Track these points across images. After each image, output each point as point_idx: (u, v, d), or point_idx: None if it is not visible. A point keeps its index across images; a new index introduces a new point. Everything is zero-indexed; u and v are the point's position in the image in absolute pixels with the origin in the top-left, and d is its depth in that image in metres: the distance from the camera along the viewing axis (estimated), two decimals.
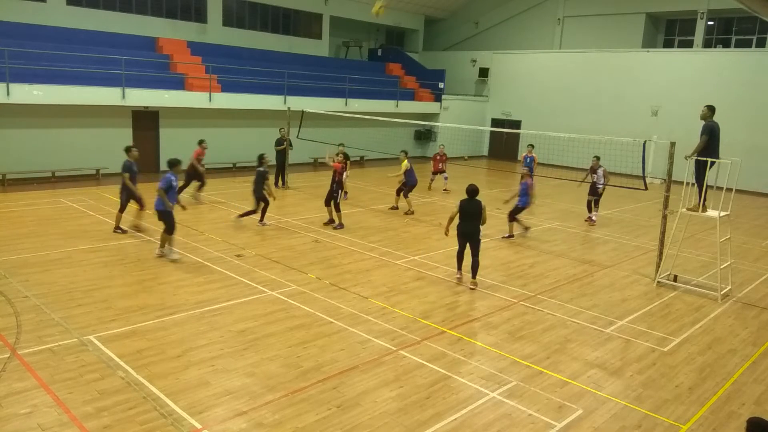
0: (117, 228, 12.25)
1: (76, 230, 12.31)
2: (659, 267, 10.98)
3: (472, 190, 10.18)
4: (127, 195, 12.19)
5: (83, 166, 18.56)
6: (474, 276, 10.17)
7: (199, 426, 5.63)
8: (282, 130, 18.57)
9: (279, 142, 18.53)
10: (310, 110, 20.03)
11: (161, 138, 20.45)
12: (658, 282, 10.89)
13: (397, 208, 16.05)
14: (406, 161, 15.86)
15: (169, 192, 10.73)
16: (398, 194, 16.01)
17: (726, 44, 26.59)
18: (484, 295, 9.84)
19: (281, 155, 18.46)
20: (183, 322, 8.01)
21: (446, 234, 10.55)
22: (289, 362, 7.02)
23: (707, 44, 26.59)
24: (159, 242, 10.93)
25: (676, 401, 6.68)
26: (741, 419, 6.31)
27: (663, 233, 10.94)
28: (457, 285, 10.19)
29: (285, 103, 21.68)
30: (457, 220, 10.24)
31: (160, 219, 10.74)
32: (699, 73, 24.49)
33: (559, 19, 30.31)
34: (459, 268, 10.45)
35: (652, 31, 28.29)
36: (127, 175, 12.10)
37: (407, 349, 7.54)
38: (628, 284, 10.89)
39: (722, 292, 10.30)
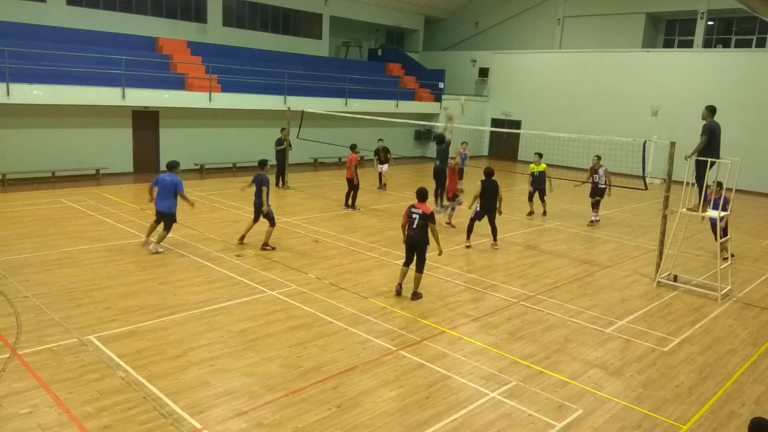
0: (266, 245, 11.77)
1: (76, 230, 12.31)
2: (659, 267, 10.98)
3: (490, 172, 12.53)
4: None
5: (83, 166, 18.57)
6: (495, 239, 12.69)
7: (199, 426, 5.63)
8: (283, 130, 18.57)
9: (279, 142, 18.54)
10: (310, 110, 20.03)
11: (161, 138, 20.44)
12: (658, 282, 10.88)
13: (532, 212, 16.43)
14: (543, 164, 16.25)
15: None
16: (540, 199, 16.30)
17: (726, 44, 26.59)
18: (484, 295, 9.84)
19: (281, 155, 18.46)
20: (183, 322, 8.01)
21: (469, 208, 12.80)
22: (289, 362, 7.02)
23: (707, 44, 26.59)
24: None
25: (676, 401, 6.67)
26: (741, 419, 6.32)
27: (663, 233, 10.94)
28: (450, 284, 10.19)
29: (285, 103, 21.68)
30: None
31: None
32: (699, 73, 24.49)
33: (559, 19, 30.32)
34: (469, 237, 12.72)
35: (652, 31, 28.29)
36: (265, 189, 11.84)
37: (407, 349, 7.54)
38: (628, 284, 10.89)
39: (722, 292, 10.29)
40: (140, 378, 6.42)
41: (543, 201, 16.30)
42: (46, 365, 6.58)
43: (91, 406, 5.84)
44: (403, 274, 9.55)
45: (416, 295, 9.36)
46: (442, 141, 14.26)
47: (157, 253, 10.87)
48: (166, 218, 11.13)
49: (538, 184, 16.16)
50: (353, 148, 16.01)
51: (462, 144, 19.08)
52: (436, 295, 9.66)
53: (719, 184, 11.33)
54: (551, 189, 16.44)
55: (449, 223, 14.25)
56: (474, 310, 9.09)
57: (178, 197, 11.17)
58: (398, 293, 9.44)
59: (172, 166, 11.34)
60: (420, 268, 9.32)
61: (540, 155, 16.41)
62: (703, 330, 8.86)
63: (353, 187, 15.74)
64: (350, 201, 15.93)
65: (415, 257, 9.33)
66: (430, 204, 10.99)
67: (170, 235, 11.75)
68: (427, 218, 9.10)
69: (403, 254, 9.60)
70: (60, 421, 5.57)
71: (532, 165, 16.34)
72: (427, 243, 9.23)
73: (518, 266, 11.59)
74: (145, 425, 5.57)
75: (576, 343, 8.10)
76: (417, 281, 9.38)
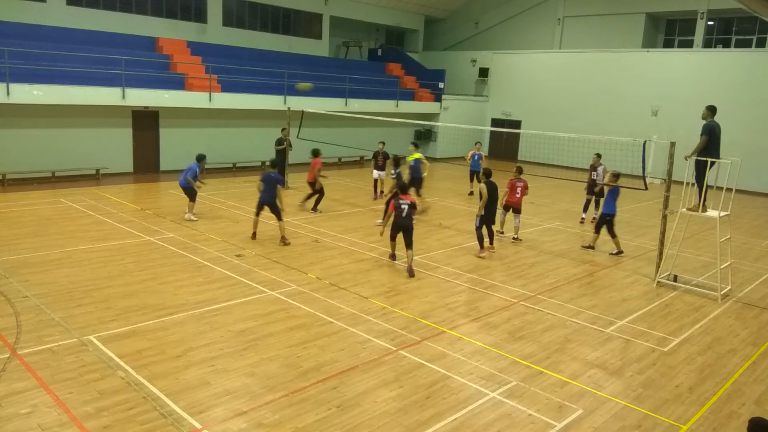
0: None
1: (76, 230, 12.31)
2: (659, 267, 10.98)
3: (489, 173, 12.15)
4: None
5: (83, 166, 18.56)
6: (492, 242, 12.29)
7: (199, 426, 5.63)
8: (284, 130, 18.55)
9: (279, 142, 18.53)
10: (310, 110, 20.03)
11: (161, 138, 20.44)
12: (658, 282, 10.88)
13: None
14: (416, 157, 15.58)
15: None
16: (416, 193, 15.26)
17: (726, 44, 26.59)
18: (484, 295, 9.84)
19: (281, 155, 18.44)
20: (183, 322, 8.01)
21: (479, 216, 11.87)
22: (289, 362, 7.02)
23: (707, 44, 26.59)
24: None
25: (676, 401, 6.68)
26: (741, 419, 6.32)
27: (663, 233, 10.94)
28: (450, 284, 10.20)
29: (285, 103, 21.67)
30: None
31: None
32: (699, 73, 24.49)
33: (559, 19, 30.31)
34: (482, 245, 12.07)
35: (652, 31, 28.29)
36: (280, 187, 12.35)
37: (407, 349, 7.54)
38: (628, 284, 10.89)
39: (722, 292, 10.30)
40: (140, 378, 6.42)
41: (419, 194, 14.84)
42: (46, 365, 6.59)
43: (91, 406, 5.84)
44: (393, 248, 11.27)
45: (411, 271, 10.56)
46: (398, 165, 14.38)
47: (190, 220, 13.42)
48: (184, 192, 13.73)
49: (415, 172, 15.30)
50: (317, 153, 15.70)
51: (475, 144, 18.94)
52: (436, 295, 9.66)
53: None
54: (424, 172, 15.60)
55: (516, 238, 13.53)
56: (474, 310, 9.10)
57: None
58: (393, 258, 11.22)
59: (198, 158, 13.88)
60: (410, 246, 10.67)
61: (416, 145, 16.18)
62: (703, 330, 8.87)
63: (316, 191, 15.31)
64: (314, 203, 15.43)
65: (403, 239, 10.68)
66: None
67: (171, 235, 11.81)
68: (414, 206, 10.75)
69: (399, 252, 11.07)
70: (60, 421, 5.57)
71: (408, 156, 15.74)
72: (413, 228, 10.76)
73: (518, 266, 11.60)
74: (145, 425, 5.58)
75: (576, 343, 8.10)
76: (410, 258, 10.66)
